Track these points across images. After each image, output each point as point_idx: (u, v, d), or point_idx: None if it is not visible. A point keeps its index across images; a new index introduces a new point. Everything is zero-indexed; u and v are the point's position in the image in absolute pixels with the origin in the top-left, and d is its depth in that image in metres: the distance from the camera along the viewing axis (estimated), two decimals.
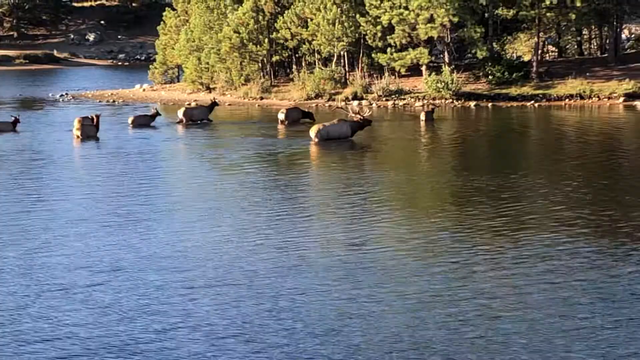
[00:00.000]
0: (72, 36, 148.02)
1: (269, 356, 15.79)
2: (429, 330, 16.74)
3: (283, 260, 21.54)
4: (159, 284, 19.84)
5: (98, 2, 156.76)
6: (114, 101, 74.12)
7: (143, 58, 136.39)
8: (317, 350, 15.98)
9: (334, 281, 19.76)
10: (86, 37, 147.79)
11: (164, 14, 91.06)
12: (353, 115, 45.26)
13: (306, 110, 55.26)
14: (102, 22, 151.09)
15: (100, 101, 73.14)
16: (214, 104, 56.83)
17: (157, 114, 54.42)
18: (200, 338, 16.63)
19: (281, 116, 52.59)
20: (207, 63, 76.88)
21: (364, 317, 17.50)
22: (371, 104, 62.28)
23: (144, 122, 53.43)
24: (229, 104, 65.39)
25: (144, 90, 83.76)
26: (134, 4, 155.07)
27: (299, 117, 53.20)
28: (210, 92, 76.92)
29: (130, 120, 53.60)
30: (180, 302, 18.66)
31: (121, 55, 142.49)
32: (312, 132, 43.45)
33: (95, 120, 47.47)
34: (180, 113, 55.20)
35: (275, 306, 18.23)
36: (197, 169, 37.94)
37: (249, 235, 24.20)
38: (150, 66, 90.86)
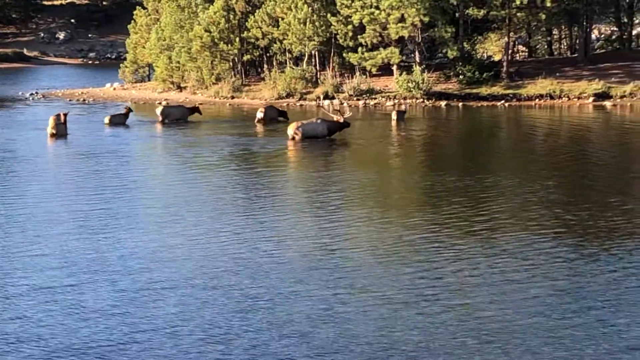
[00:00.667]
0: (42, 35, 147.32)
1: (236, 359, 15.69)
2: (399, 331, 16.61)
3: (251, 260, 21.39)
4: (124, 286, 19.65)
5: (68, 1, 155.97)
6: (84, 100, 73.78)
7: (114, 57, 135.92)
8: (285, 352, 15.88)
9: (302, 282, 19.63)
10: (56, 36, 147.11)
11: (134, 12, 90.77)
12: (333, 115, 45.24)
13: (280, 109, 55.43)
14: (73, 20, 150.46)
15: (70, 100, 72.79)
16: (196, 109, 56.65)
17: (130, 111, 54.71)
18: (166, 340, 16.46)
19: (259, 115, 52.68)
20: (178, 62, 76.66)
21: (333, 318, 17.38)
22: (342, 103, 62.28)
23: (120, 120, 53.51)
24: (200, 103, 65.01)
25: (114, 89, 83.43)
26: (104, 3, 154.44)
27: (275, 116, 53.41)
28: (181, 91, 76.82)
29: (107, 120, 53.61)
30: (145, 303, 18.48)
31: (92, 54, 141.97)
32: (290, 130, 43.46)
33: (63, 118, 47.33)
34: (159, 111, 55.46)
35: (243, 308, 18.09)
36: (172, 168, 37.71)
37: (219, 236, 24.03)
38: (121, 65, 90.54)
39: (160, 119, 54.57)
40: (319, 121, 44.66)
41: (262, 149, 42.10)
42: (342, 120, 44.64)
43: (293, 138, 43.01)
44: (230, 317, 17.56)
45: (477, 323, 16.93)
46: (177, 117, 55.37)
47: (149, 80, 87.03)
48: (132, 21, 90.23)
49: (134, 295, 19.03)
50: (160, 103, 63.32)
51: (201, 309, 18.04)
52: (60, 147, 43.95)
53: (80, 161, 39.07)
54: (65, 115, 47.77)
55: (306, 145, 41.94)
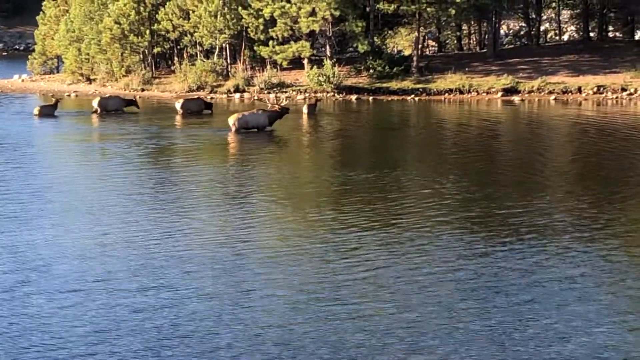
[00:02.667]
0: None
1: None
2: (304, 336, 16.57)
3: (150, 259, 21.18)
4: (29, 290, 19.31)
5: None
6: None
7: (22, 48, 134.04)
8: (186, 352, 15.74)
9: (199, 280, 19.50)
10: None
11: (43, 3, 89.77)
12: (271, 105, 45.63)
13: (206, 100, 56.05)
14: None
15: None
16: (133, 101, 56.20)
17: (57, 101, 54.92)
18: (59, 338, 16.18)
19: (178, 106, 52.86)
20: (88, 54, 76.00)
21: (235, 317, 17.24)
22: (253, 96, 62.36)
23: (49, 111, 53.61)
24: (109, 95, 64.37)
25: (22, 80, 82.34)
26: None
27: (201, 109, 53.67)
28: (90, 83, 76.12)
29: (36, 111, 53.51)
30: (42, 305, 18.15)
31: None
32: (231, 121, 43.52)
33: None
34: (95, 103, 55.41)
35: (143, 307, 17.88)
36: (94, 164, 37.20)
37: (126, 235, 23.73)
38: (30, 56, 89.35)
39: (98, 110, 54.57)
40: (260, 112, 44.83)
41: (186, 142, 41.86)
42: (278, 108, 45.05)
43: (236, 130, 43.23)
44: (132, 317, 17.25)
45: (381, 322, 16.84)
46: (115, 107, 55.30)
47: (58, 72, 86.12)
48: (41, 12, 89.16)
49: (36, 301, 18.62)
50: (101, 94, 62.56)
51: (103, 309, 17.68)
52: None
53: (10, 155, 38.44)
54: None
55: (241, 137, 42.31)
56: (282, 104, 45.48)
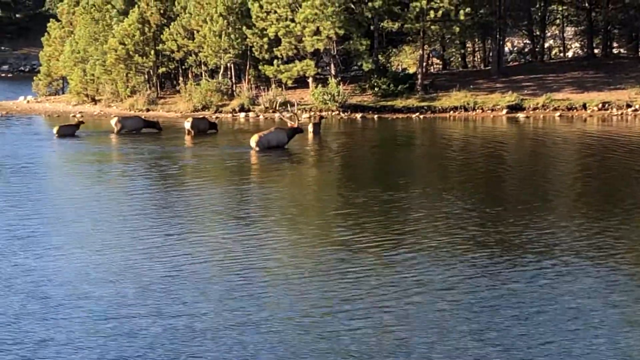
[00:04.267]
0: None
1: None
2: (305, 349, 16.58)
3: (165, 276, 21.19)
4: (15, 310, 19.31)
5: None
6: None
7: (27, 69, 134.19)
8: None
9: (208, 296, 19.50)
10: None
11: (48, 25, 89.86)
12: (287, 121, 46.44)
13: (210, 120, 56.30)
14: None
15: None
16: (154, 123, 56.34)
17: (80, 123, 55.32)
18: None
19: (187, 125, 52.82)
20: (93, 75, 76.08)
21: (240, 336, 17.25)
22: (258, 116, 62.56)
23: (69, 131, 53.71)
24: (114, 116, 64.35)
25: (28, 102, 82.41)
26: (17, 15, 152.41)
27: (206, 128, 53.45)
28: (95, 103, 76.19)
29: (55, 130, 53.55)
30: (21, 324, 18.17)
31: (4, 67, 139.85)
32: (253, 141, 43.81)
33: None
34: (114, 122, 55.63)
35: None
36: (109, 182, 37.21)
37: (134, 252, 23.74)
38: (35, 78, 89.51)
39: (116, 129, 54.80)
40: (278, 130, 45.56)
41: (199, 162, 41.90)
42: (295, 125, 45.88)
43: (259, 150, 43.61)
44: (140, 341, 17.25)
45: (383, 342, 16.89)
46: (134, 127, 55.47)
47: (63, 93, 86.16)
48: (46, 34, 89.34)
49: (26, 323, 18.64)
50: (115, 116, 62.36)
51: (108, 327, 17.72)
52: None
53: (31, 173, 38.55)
54: None
55: (264, 156, 42.62)
56: (296, 123, 46.27)
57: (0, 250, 24.10)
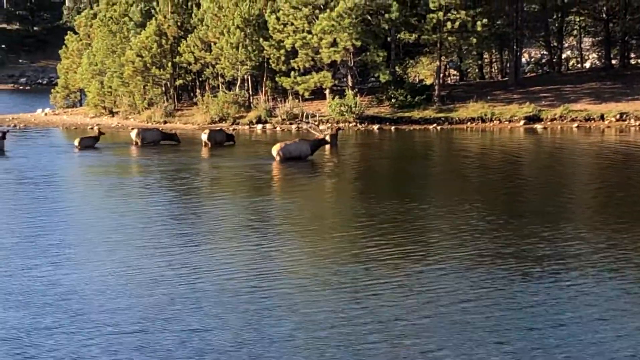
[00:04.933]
0: None
1: None
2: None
3: (188, 290, 21.16)
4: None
5: None
6: (14, 125, 72.95)
7: (45, 82, 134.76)
8: None
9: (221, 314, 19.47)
10: None
11: (66, 37, 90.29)
12: (314, 132, 46.72)
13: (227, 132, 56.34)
14: (3, 45, 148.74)
15: (1, 125, 71.86)
16: (172, 135, 56.49)
17: (101, 134, 55.84)
18: None
19: (204, 137, 52.87)
20: (110, 87, 76.36)
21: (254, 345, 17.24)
22: (275, 127, 62.65)
23: (90, 143, 54.12)
24: (133, 128, 64.67)
25: (45, 114, 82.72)
26: (35, 28, 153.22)
27: (223, 140, 53.44)
28: (113, 116, 76.43)
29: (76, 142, 53.91)
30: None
31: (22, 80, 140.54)
32: (274, 151, 43.87)
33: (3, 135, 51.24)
34: (133, 134, 55.96)
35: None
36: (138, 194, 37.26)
37: (155, 263, 23.73)
38: (52, 90, 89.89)
39: (136, 141, 55.07)
40: (301, 141, 45.71)
41: (214, 173, 41.93)
42: (322, 136, 46.15)
43: (281, 159, 43.71)
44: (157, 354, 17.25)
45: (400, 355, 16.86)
46: (154, 139, 55.68)
47: (81, 105, 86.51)
48: (64, 46, 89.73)
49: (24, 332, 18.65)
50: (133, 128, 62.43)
51: (131, 342, 17.71)
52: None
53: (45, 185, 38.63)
54: (4, 133, 51.66)
55: (283, 168, 42.61)
56: (325, 134, 46.58)
57: (21, 261, 24.12)
